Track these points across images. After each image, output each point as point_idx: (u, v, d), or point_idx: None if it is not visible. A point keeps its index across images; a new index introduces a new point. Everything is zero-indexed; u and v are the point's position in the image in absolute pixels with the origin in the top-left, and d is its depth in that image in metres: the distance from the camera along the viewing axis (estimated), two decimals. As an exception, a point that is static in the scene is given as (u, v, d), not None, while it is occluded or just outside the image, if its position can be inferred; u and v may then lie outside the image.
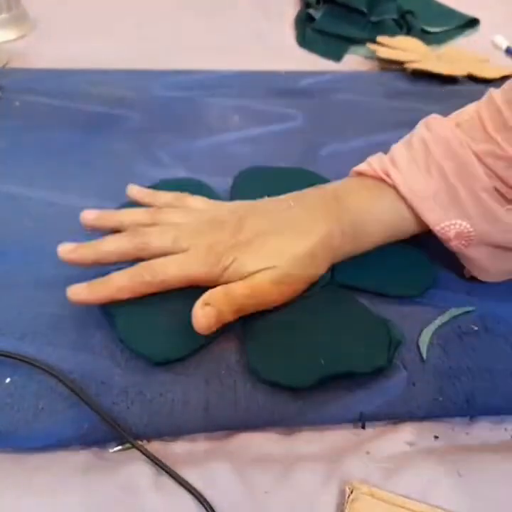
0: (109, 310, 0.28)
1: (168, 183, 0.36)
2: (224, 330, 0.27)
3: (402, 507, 0.23)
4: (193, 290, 0.28)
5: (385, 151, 0.32)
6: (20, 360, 0.25)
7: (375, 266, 0.31)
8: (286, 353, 0.26)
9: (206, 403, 0.25)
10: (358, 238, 0.29)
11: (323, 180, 0.38)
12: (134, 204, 0.34)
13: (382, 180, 0.30)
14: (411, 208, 0.29)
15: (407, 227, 0.30)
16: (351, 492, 0.23)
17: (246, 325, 0.28)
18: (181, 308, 0.28)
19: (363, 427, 0.26)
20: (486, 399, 0.26)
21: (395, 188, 0.29)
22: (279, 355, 0.26)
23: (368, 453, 0.25)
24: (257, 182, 0.37)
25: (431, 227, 0.29)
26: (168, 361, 0.26)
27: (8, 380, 0.25)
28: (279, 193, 0.32)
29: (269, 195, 0.32)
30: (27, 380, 0.25)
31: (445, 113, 0.31)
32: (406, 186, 0.28)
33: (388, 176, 0.29)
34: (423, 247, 0.33)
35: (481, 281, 0.32)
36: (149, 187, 0.36)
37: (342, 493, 0.23)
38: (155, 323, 0.27)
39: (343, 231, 0.29)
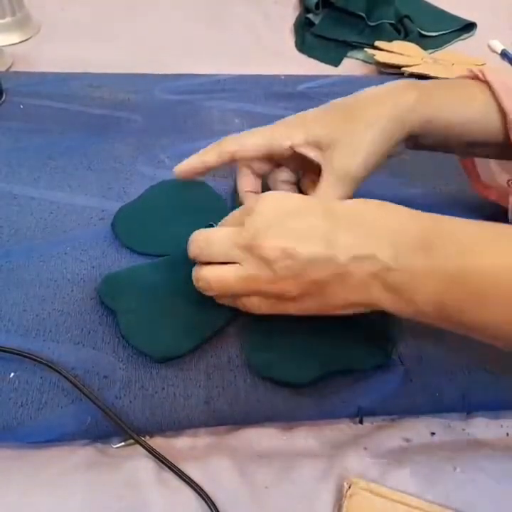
0: (112, 307, 0.28)
1: (169, 184, 0.37)
2: (225, 325, 0.28)
3: (399, 502, 0.23)
4: (194, 290, 0.29)
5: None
6: (23, 355, 0.26)
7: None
8: (285, 350, 0.27)
9: (207, 397, 0.25)
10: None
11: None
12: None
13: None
14: (498, 99, 0.28)
15: (490, 123, 0.29)
16: (349, 487, 0.23)
17: (246, 321, 0.28)
18: (183, 307, 0.28)
19: (361, 422, 0.26)
20: (482, 395, 0.27)
21: (487, 83, 0.29)
22: (278, 351, 0.27)
23: (365, 449, 0.25)
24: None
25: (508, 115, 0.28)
26: (170, 359, 0.26)
27: (11, 374, 0.25)
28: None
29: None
30: (30, 376, 0.25)
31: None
32: (498, 80, 0.28)
33: (483, 74, 0.29)
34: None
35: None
36: (152, 187, 0.37)
37: (340, 488, 0.23)
38: (157, 321, 0.27)
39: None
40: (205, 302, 0.28)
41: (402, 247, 0.22)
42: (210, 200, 0.36)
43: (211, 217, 0.32)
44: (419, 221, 0.23)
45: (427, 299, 0.21)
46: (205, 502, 0.22)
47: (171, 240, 0.32)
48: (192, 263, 0.27)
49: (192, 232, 0.32)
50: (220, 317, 0.28)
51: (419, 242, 0.22)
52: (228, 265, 0.24)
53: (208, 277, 0.25)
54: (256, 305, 0.25)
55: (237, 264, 0.24)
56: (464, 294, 0.21)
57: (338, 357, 0.26)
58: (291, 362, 0.26)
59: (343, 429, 0.26)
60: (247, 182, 0.32)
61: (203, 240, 0.25)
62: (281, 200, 0.25)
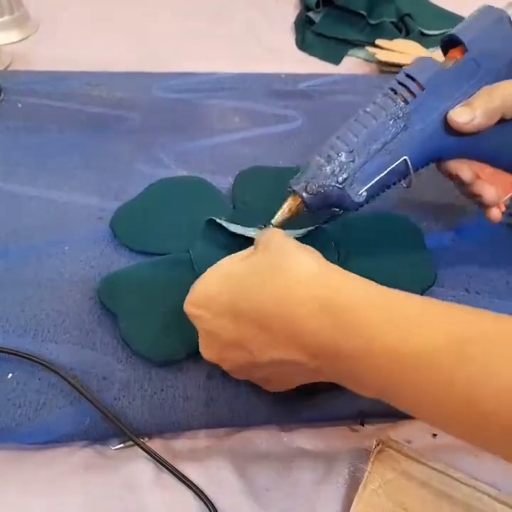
0: (112, 310, 0.28)
1: (168, 181, 0.37)
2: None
3: (426, 465, 0.23)
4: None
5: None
6: (21, 356, 0.25)
7: (376, 264, 0.31)
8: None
9: (207, 399, 0.25)
10: None
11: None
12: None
13: None
14: None
15: None
16: (378, 444, 0.24)
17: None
18: (183, 311, 0.28)
19: (362, 424, 0.26)
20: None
21: None
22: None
23: (366, 450, 0.25)
24: (258, 181, 0.37)
25: None
26: (171, 363, 0.26)
27: (10, 375, 0.25)
28: (278, 192, 0.32)
29: (269, 194, 0.32)
30: (29, 377, 0.25)
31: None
32: None
33: None
34: (424, 245, 0.33)
35: (479, 279, 0.32)
36: (151, 185, 0.36)
37: (346, 484, 0.23)
38: (158, 325, 0.27)
39: None
40: None
41: None
42: (210, 198, 0.35)
43: (211, 215, 0.32)
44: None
45: None
46: (205, 504, 0.22)
47: (171, 238, 0.32)
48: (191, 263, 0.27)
49: (192, 230, 0.32)
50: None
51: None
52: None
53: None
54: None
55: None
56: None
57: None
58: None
59: (344, 430, 0.26)
60: None
61: None
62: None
